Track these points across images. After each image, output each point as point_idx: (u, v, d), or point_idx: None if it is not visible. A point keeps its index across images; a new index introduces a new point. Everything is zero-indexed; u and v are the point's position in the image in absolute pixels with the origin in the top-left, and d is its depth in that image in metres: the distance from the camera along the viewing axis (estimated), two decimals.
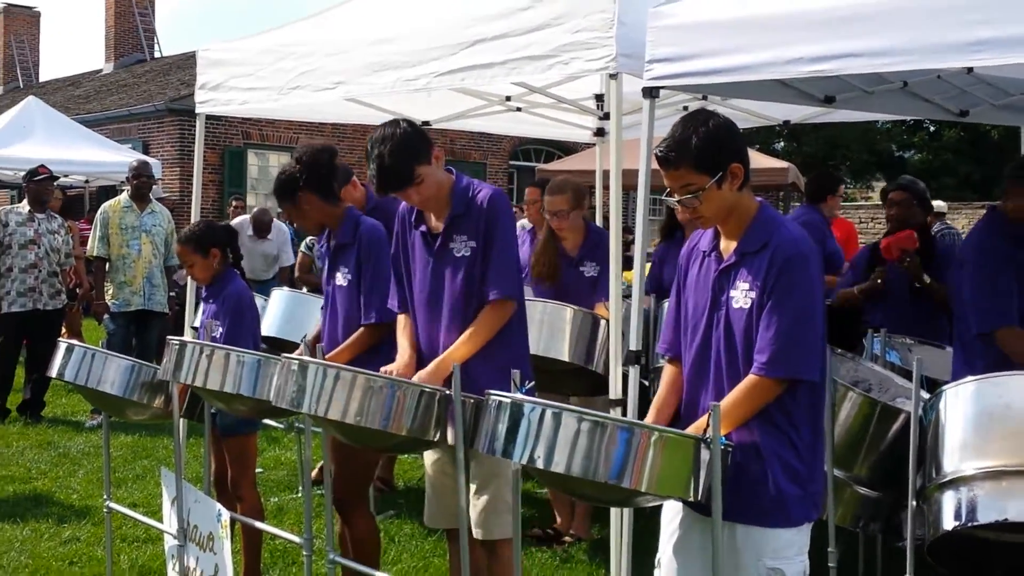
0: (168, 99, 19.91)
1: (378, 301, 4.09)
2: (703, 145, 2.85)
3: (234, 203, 11.67)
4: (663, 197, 3.00)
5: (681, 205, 2.96)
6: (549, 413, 2.66)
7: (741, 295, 2.87)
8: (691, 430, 2.82)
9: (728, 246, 2.97)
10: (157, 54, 27.51)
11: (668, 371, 3.16)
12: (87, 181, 15.70)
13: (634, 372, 4.06)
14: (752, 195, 2.99)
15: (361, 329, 4.15)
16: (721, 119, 2.94)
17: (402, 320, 3.88)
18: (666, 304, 5.22)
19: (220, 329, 4.49)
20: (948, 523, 3.47)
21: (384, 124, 3.65)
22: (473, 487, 3.67)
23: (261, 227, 10.50)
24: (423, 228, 3.74)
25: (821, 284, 2.98)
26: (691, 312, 3.03)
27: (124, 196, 8.69)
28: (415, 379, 3.46)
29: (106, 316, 8.60)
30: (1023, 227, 4.24)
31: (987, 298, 4.23)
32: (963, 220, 26.47)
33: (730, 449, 2.72)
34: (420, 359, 3.72)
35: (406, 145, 3.54)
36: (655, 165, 4.13)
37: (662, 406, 3.08)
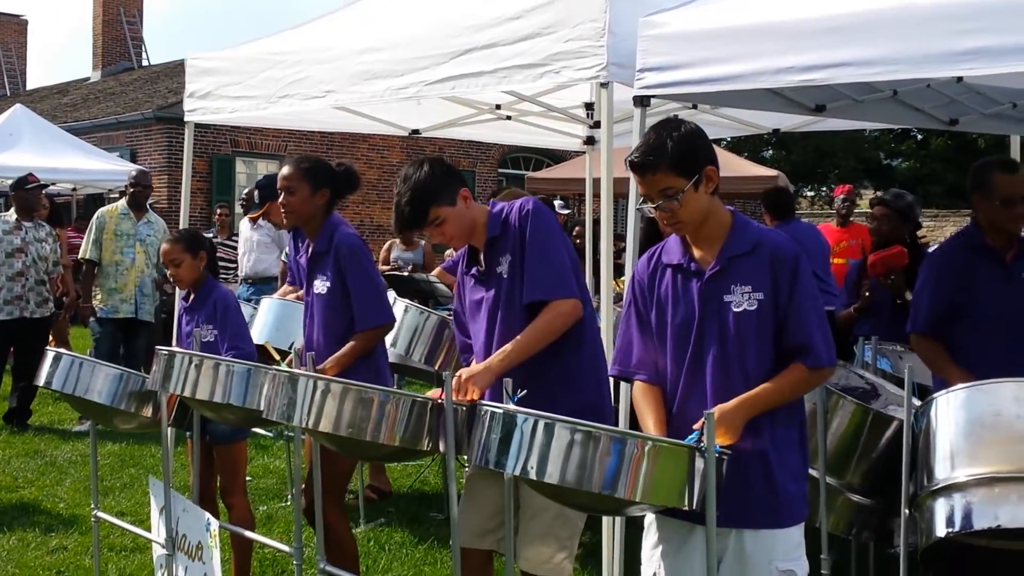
0: (156, 107, 19.86)
1: (367, 309, 4.11)
2: (679, 148, 2.88)
3: (219, 211, 11.63)
4: (638, 206, 3.00)
5: (659, 210, 2.94)
6: (542, 424, 2.64)
7: (742, 298, 2.89)
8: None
9: (705, 255, 2.97)
10: (145, 62, 27.42)
11: (646, 390, 3.08)
12: (74, 189, 15.67)
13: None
14: (721, 203, 3.01)
15: (354, 339, 4.14)
16: (691, 125, 2.97)
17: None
18: None
19: (215, 333, 4.50)
20: (940, 530, 3.47)
21: (410, 164, 3.61)
22: (524, 515, 3.53)
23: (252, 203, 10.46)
24: (475, 271, 3.63)
25: None
26: (673, 329, 3.00)
27: (122, 203, 8.75)
28: (466, 373, 3.38)
29: (92, 319, 8.59)
30: (994, 236, 4.25)
31: (915, 300, 4.36)
32: (950, 227, 26.62)
33: (725, 457, 2.72)
34: None
35: (425, 188, 3.49)
36: None
37: (658, 413, 3.03)
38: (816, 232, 8.05)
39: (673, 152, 2.87)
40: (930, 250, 6.64)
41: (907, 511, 3.66)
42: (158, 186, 18.61)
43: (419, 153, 21.92)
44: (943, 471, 3.56)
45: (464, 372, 3.39)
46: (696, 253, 2.99)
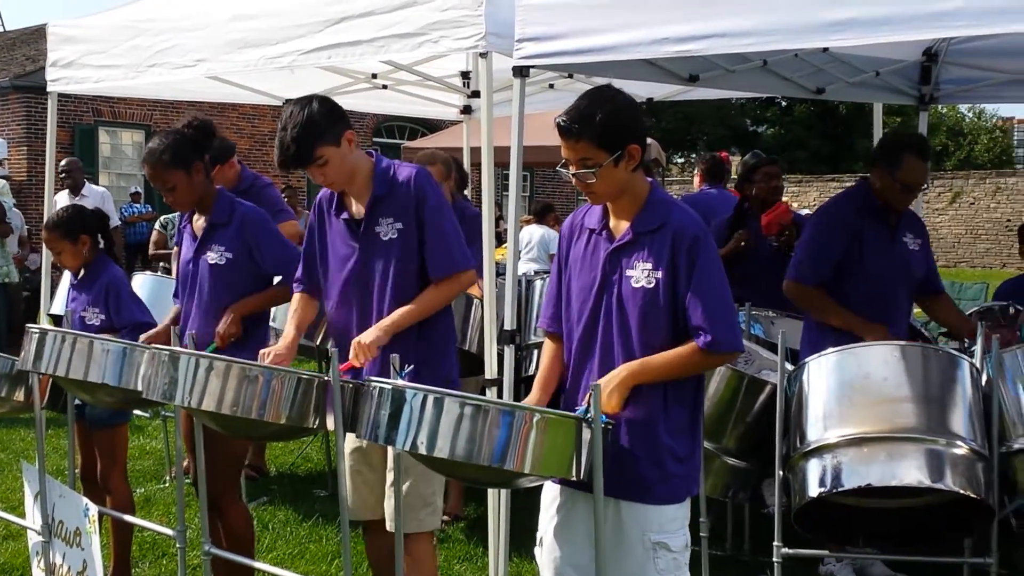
0: (13, 76, 19.00)
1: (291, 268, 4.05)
2: (607, 122, 2.85)
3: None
4: (558, 168, 2.99)
5: (575, 179, 2.94)
6: (431, 399, 2.64)
7: (642, 274, 2.89)
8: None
9: (619, 225, 2.98)
10: (0, 28, 26.23)
11: (548, 346, 3.17)
12: None
13: (509, 351, 4.07)
14: (644, 176, 2.99)
15: (287, 289, 4.05)
16: (626, 98, 2.94)
17: (298, 300, 3.82)
18: (537, 283, 5.30)
19: (101, 317, 4.36)
20: (813, 490, 3.61)
21: (297, 100, 3.55)
22: (389, 479, 3.58)
23: (73, 177, 10.12)
24: (345, 215, 3.64)
25: None
26: (576, 290, 3.03)
27: None
28: (365, 339, 3.43)
29: None
30: (885, 204, 4.39)
31: (803, 252, 4.48)
32: (814, 192, 27.45)
33: (611, 427, 2.76)
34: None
35: (313, 125, 3.46)
36: (527, 142, 4.17)
37: (546, 383, 3.10)
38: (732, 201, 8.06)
39: (600, 125, 2.84)
40: (803, 213, 6.85)
41: (780, 472, 3.79)
42: (17, 157, 17.89)
43: None
44: (815, 433, 3.70)
45: (363, 338, 3.45)
46: (612, 222, 3.01)
